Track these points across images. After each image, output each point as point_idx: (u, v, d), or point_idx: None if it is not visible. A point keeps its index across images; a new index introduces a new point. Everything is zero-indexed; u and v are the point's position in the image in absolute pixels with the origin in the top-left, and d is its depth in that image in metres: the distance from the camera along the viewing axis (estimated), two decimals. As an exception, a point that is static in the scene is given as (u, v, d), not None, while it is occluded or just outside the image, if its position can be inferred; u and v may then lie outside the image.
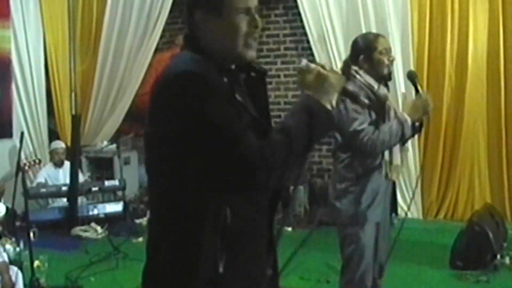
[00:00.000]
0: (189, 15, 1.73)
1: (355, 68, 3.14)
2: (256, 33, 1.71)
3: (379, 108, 3.13)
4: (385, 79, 3.21)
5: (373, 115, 3.09)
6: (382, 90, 3.19)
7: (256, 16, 1.71)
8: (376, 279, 3.26)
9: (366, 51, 3.15)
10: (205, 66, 1.62)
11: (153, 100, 1.64)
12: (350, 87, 2.76)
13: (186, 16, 1.75)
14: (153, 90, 1.66)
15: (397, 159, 3.19)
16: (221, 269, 1.60)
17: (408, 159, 6.20)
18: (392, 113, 3.16)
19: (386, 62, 3.16)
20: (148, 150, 1.72)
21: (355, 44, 3.24)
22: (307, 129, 1.63)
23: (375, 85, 3.15)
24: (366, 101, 1.77)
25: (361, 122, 3.01)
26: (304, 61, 1.77)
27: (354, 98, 1.95)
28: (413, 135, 3.17)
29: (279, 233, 1.85)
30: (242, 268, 1.66)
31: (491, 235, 4.86)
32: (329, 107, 1.70)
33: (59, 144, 7.15)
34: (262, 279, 1.75)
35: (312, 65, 1.75)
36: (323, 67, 1.74)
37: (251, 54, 1.72)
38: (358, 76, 3.13)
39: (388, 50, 3.19)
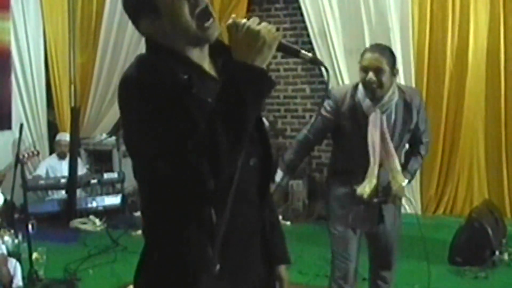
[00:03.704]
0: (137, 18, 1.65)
1: None
2: (204, 12, 1.58)
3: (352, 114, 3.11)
4: (372, 97, 3.06)
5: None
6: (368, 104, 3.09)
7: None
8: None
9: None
10: (153, 68, 1.54)
11: None
12: None
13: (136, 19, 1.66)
14: None
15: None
16: (216, 268, 1.54)
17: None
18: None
19: (366, 80, 3.00)
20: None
21: None
22: (238, 104, 1.45)
23: (361, 96, 3.09)
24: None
25: None
26: (232, 16, 1.54)
27: (295, 53, 1.57)
28: None
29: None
30: (234, 263, 1.61)
31: (490, 231, 4.87)
32: (263, 66, 1.49)
33: (63, 136, 7.12)
34: (255, 273, 1.70)
35: (242, 21, 1.50)
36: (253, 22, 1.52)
37: (211, 33, 1.59)
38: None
39: (369, 69, 2.99)
